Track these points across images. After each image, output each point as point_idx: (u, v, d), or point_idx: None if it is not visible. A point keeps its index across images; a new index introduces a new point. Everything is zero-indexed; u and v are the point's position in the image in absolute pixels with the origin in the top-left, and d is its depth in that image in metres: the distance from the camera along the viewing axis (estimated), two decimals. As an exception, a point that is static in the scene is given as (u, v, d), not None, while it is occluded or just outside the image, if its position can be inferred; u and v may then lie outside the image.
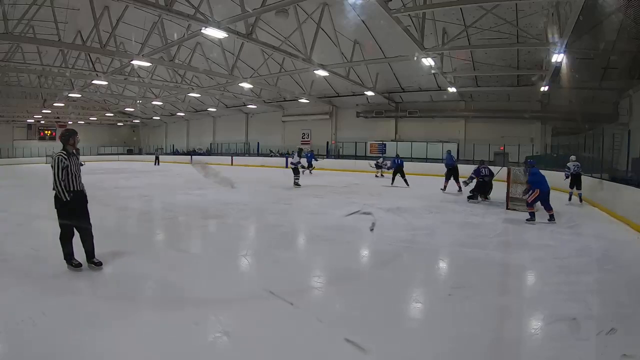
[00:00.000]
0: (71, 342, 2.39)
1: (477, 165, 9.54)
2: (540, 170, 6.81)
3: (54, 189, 3.71)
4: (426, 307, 3.15)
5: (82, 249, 3.86)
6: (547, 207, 6.62)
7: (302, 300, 3.12)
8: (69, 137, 3.86)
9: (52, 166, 3.72)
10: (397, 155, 13.11)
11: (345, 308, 3.04)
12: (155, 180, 14.18)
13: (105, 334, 2.48)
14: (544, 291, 3.48)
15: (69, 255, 3.81)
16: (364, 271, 4.14)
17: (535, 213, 6.51)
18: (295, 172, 11.87)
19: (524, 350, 2.45)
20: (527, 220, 6.54)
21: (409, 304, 3.24)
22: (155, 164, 25.24)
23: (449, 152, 11.47)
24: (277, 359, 2.29)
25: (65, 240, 3.80)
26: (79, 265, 3.81)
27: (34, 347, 2.33)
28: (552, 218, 6.52)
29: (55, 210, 3.78)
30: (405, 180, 11.86)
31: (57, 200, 3.73)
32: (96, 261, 3.88)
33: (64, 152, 3.78)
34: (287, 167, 17.31)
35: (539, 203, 6.63)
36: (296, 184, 11.71)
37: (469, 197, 9.13)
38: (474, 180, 9.24)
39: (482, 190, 9.10)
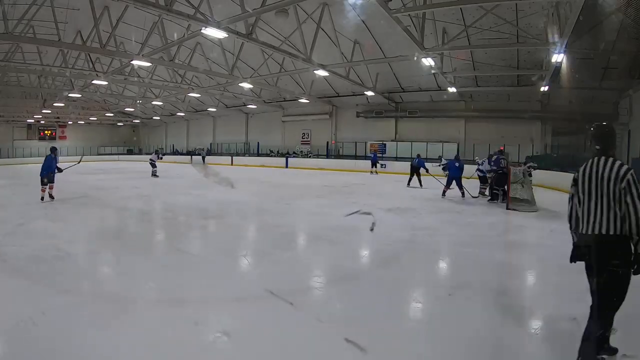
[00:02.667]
0: (71, 342, 2.39)
1: (495, 155, 8.89)
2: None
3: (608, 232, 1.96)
4: (426, 307, 3.15)
5: None
6: (459, 188, 9.04)
7: (302, 300, 3.12)
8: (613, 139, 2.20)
9: (626, 189, 1.92)
10: (418, 155, 12.53)
11: (345, 308, 3.04)
12: (155, 180, 14.17)
13: (105, 334, 2.48)
14: (544, 291, 3.48)
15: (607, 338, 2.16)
16: (364, 271, 4.14)
17: (536, 213, 6.52)
18: (484, 181, 9.56)
19: (524, 350, 2.45)
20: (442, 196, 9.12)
21: (409, 304, 3.24)
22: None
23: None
24: (277, 359, 2.29)
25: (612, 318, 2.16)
26: (615, 351, 2.20)
27: (34, 347, 2.33)
28: (463, 195, 9.07)
29: (618, 271, 1.99)
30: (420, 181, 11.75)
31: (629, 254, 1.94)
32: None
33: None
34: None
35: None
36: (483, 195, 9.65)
37: (490, 199, 8.74)
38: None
39: (501, 184, 8.38)
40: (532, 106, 16.84)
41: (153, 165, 15.63)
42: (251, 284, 3.58)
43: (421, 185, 11.65)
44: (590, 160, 2.15)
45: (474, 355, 2.35)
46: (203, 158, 25.85)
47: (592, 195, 2.08)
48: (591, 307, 2.16)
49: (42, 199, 8.43)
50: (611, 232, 1.99)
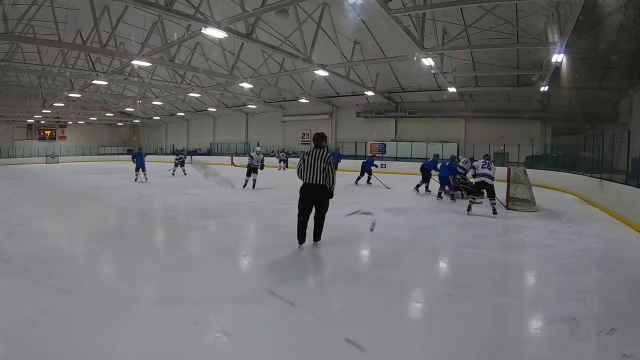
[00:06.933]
0: (71, 342, 2.39)
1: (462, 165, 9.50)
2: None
3: None
4: (426, 307, 3.15)
5: None
6: (441, 188, 9.36)
7: (302, 300, 3.11)
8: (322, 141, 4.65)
9: None
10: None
11: (345, 308, 3.04)
12: (155, 181, 14.14)
13: (105, 334, 2.48)
14: (544, 291, 3.48)
15: None
16: (364, 271, 4.14)
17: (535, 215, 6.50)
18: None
19: (524, 350, 2.45)
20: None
21: (409, 304, 3.24)
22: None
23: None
24: (277, 359, 2.29)
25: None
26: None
27: (34, 347, 2.33)
28: (439, 196, 9.33)
29: (324, 199, 4.66)
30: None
31: None
32: None
33: None
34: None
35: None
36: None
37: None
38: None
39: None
40: (532, 106, 16.83)
41: (178, 165, 16.15)
42: (251, 284, 3.58)
43: (369, 182, 12.59)
44: (310, 150, 4.54)
45: (474, 355, 2.35)
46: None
47: (311, 166, 4.46)
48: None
49: (136, 180, 13.16)
50: (321, 182, 4.44)
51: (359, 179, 12.65)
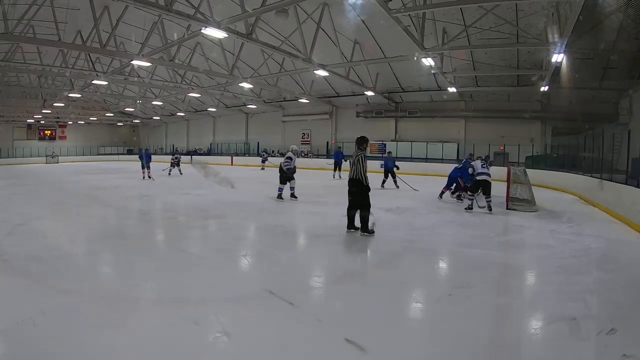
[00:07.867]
0: (71, 342, 2.39)
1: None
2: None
3: None
4: (426, 307, 3.14)
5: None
6: (448, 187, 9.23)
7: (302, 300, 3.12)
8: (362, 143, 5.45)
9: None
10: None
11: (345, 308, 3.04)
12: (155, 180, 14.15)
13: (105, 334, 2.48)
14: (544, 291, 3.48)
15: None
16: (364, 271, 4.14)
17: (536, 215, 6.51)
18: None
19: (524, 350, 2.45)
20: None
21: (409, 304, 3.24)
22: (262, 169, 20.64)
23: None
24: (277, 359, 2.29)
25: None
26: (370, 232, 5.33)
27: (34, 347, 2.33)
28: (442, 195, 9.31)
29: (359, 191, 5.28)
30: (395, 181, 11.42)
31: None
32: None
33: None
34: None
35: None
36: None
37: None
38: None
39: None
40: (532, 106, 16.83)
41: (174, 165, 16.43)
42: (251, 284, 3.58)
43: (396, 185, 11.34)
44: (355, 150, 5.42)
45: (474, 355, 2.35)
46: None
47: (350, 163, 5.31)
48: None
49: (144, 178, 13.67)
50: (354, 177, 5.22)
51: (384, 182, 11.42)
